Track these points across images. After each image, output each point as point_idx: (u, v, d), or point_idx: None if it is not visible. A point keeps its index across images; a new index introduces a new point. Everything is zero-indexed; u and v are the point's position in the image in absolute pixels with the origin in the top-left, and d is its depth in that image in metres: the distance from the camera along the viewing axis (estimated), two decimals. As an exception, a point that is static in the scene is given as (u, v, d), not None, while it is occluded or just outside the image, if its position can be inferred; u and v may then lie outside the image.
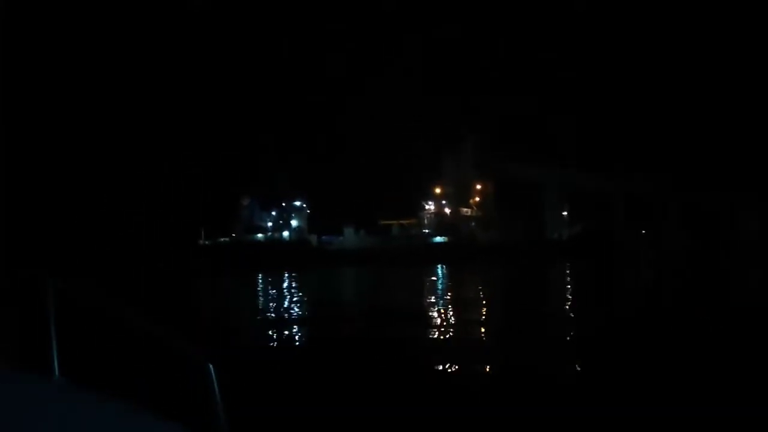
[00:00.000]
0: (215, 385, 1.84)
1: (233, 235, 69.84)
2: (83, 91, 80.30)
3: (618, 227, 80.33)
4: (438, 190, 79.94)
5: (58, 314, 1.63)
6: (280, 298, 32.80)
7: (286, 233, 69.73)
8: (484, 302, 26.37)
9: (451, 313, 22.46)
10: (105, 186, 70.89)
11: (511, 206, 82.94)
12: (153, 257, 57.84)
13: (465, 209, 79.75)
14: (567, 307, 23.84)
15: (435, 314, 22.12)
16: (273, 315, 24.64)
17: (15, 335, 1.83)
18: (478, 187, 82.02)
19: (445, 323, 19.47)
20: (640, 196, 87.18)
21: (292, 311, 25.64)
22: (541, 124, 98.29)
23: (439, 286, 35.99)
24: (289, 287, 40.92)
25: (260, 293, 37.92)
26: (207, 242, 68.27)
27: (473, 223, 77.97)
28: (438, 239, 72.63)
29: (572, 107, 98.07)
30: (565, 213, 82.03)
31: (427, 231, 74.65)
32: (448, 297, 29.46)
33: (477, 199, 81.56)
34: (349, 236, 71.59)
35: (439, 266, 56.27)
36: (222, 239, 69.04)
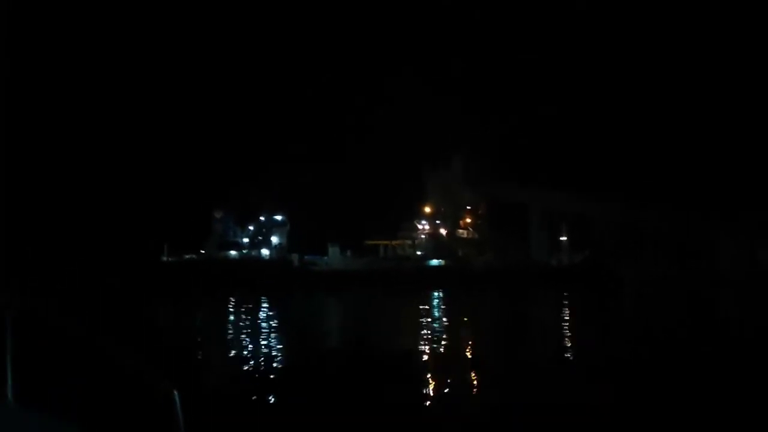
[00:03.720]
0: (179, 411, 1.82)
1: (202, 251, 61.09)
2: (39, 97, 71.45)
3: (617, 257, 76.70)
4: (428, 210, 73.64)
5: (18, 337, 1.62)
6: (244, 327, 25.61)
7: (265, 251, 61.35)
8: (494, 351, 18.80)
9: (460, 366, 16.25)
10: (52, 195, 61.43)
11: (507, 229, 79.28)
12: (104, 273, 49.15)
13: (461, 231, 73.30)
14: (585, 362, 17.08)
15: (441, 371, 15.54)
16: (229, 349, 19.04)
17: None
18: (468, 207, 76.31)
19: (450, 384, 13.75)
20: (635, 225, 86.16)
21: (260, 347, 19.70)
22: (535, 147, 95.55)
23: (442, 323, 27.54)
24: (261, 315, 33.00)
25: (215, 320, 30.43)
26: (170, 259, 59.37)
27: (469, 247, 71.61)
28: (434, 262, 65.52)
29: (566, 133, 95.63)
30: (564, 238, 76.93)
31: (421, 253, 67.48)
32: (454, 340, 21.26)
33: (468, 220, 75.77)
34: (335, 256, 63.83)
35: (437, 294, 48.72)
36: (189, 256, 60.23)
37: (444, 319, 26.56)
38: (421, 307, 33.12)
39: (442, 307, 34.79)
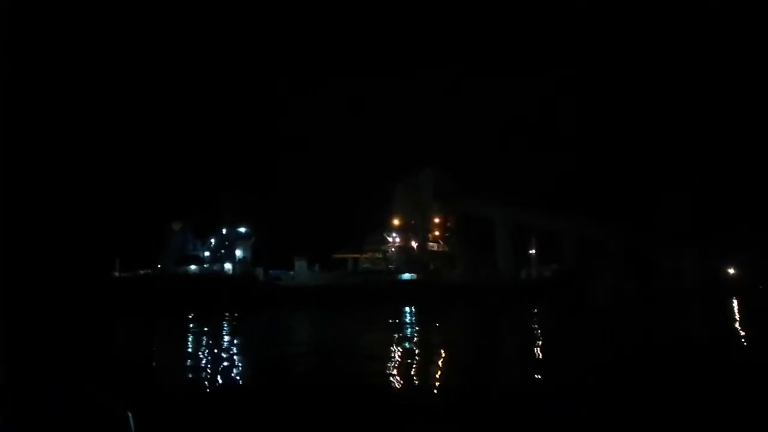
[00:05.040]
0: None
1: (159, 266, 56.55)
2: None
3: (584, 271, 77.60)
4: (397, 222, 71.72)
5: None
6: (202, 348, 22.78)
7: (228, 265, 57.34)
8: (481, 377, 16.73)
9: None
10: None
11: (476, 243, 78.82)
12: (49, 290, 44.60)
13: (431, 244, 71.61)
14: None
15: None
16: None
17: None
18: (437, 221, 75.10)
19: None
20: (601, 241, 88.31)
21: (219, 369, 17.39)
22: (503, 162, 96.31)
23: (419, 347, 24.38)
24: (222, 335, 29.82)
25: (170, 340, 28.02)
26: (122, 275, 54.64)
27: (439, 260, 70.01)
28: (406, 276, 63.30)
29: (532, 150, 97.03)
30: (533, 251, 76.94)
31: (392, 266, 65.17)
32: (430, 368, 18.39)
33: (437, 233, 74.48)
34: (302, 270, 60.59)
35: (411, 311, 46.27)
36: (143, 271, 55.60)
37: (421, 343, 23.96)
38: (396, 329, 30.61)
39: (419, 327, 32.23)
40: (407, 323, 35.51)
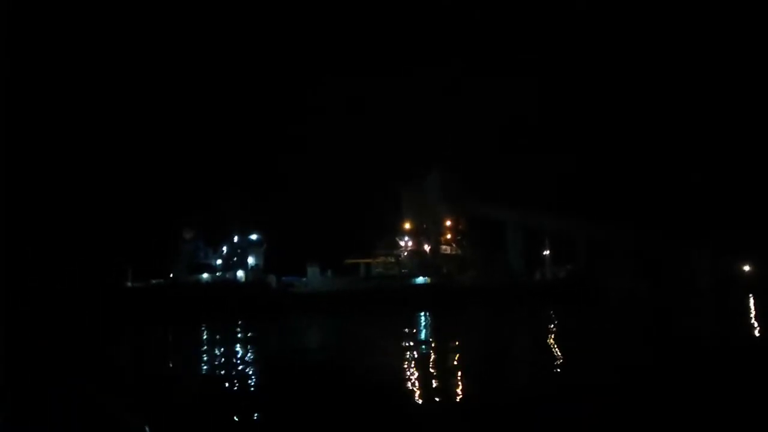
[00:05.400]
0: None
1: (171, 275, 56.24)
2: None
3: (598, 272, 76.58)
4: (408, 226, 71.07)
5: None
6: (217, 357, 22.16)
7: (240, 273, 56.90)
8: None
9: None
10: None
11: (488, 245, 78.09)
12: (63, 300, 44.43)
13: (444, 247, 70.84)
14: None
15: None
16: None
17: None
18: (448, 223, 74.33)
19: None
20: (614, 242, 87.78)
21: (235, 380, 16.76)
22: (510, 163, 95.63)
23: (439, 355, 23.41)
24: (239, 343, 29.25)
25: (184, 351, 27.19)
26: (136, 284, 54.38)
27: (452, 263, 69.21)
28: (419, 280, 62.55)
29: (542, 151, 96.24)
30: (546, 252, 75.86)
31: (405, 271, 64.47)
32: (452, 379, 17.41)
33: (449, 236, 73.69)
34: (314, 277, 60.03)
35: (427, 316, 45.33)
36: (156, 281, 55.33)
37: (441, 351, 23.03)
38: (414, 335, 29.85)
39: (436, 333, 31.38)
40: (429, 330, 34.76)
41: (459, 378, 15.97)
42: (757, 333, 26.58)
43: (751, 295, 60.95)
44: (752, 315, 36.29)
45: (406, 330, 32.02)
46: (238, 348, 27.03)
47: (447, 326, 35.42)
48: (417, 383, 15.15)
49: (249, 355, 24.17)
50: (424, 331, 31.64)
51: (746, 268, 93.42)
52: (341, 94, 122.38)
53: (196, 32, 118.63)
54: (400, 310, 46.86)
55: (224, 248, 58.07)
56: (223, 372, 19.00)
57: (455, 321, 39.61)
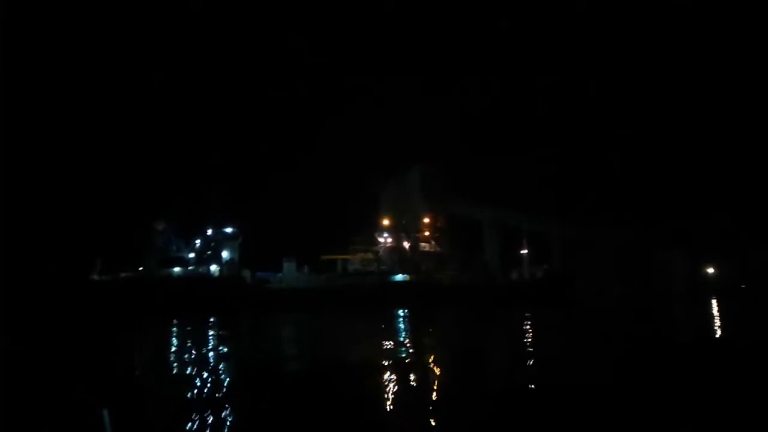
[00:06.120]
0: (109, 430, 1.95)
1: (141, 269, 54.06)
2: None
3: (574, 272, 77.29)
4: (387, 222, 70.19)
5: None
6: (184, 356, 21.09)
7: (214, 267, 55.03)
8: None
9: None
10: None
11: (467, 243, 78.00)
12: (24, 293, 42.21)
13: (423, 244, 70.13)
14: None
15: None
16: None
17: None
18: (427, 220, 73.74)
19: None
20: (589, 243, 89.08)
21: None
22: (489, 163, 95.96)
23: (421, 359, 22.55)
24: (209, 342, 27.86)
25: (150, 347, 25.79)
26: (103, 278, 52.10)
27: (432, 261, 68.55)
28: (398, 277, 61.68)
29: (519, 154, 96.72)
30: (524, 252, 75.87)
31: (384, 267, 63.54)
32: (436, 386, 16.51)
33: (427, 233, 73.09)
34: (290, 272, 58.57)
35: (407, 314, 44.23)
36: (125, 274, 53.11)
37: (419, 358, 21.89)
38: (392, 337, 28.78)
39: (416, 336, 30.17)
40: (408, 333, 33.80)
41: (435, 392, 14.91)
42: (720, 334, 26.68)
43: (717, 297, 62.64)
44: (718, 317, 36.71)
45: (385, 335, 30.59)
46: (209, 348, 25.59)
47: (428, 329, 34.45)
48: (392, 393, 14.13)
49: (218, 356, 22.72)
50: (402, 334, 30.55)
51: (713, 270, 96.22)
52: (321, 91, 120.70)
53: (173, 27, 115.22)
54: (379, 309, 45.77)
55: (197, 241, 56.10)
56: (188, 374, 17.64)
57: (437, 322, 38.74)
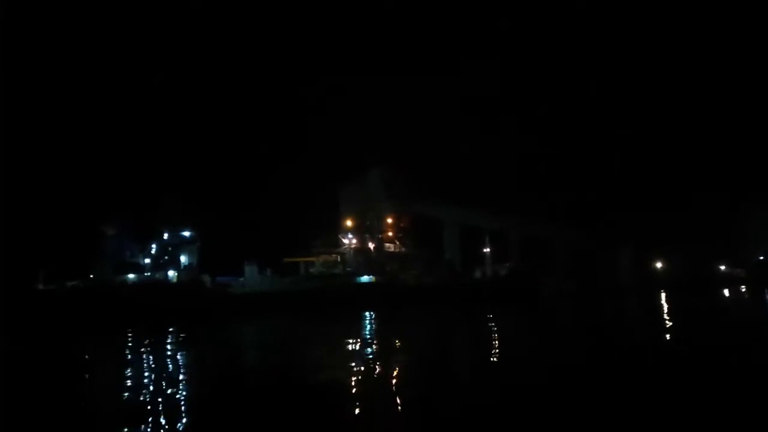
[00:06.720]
0: None
1: (91, 276, 50.69)
2: None
3: (535, 270, 78.53)
4: (350, 224, 69.03)
5: None
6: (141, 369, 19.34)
7: (171, 272, 52.25)
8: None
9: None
10: None
11: (430, 243, 78.00)
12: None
13: (388, 245, 69.33)
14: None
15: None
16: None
17: None
18: (390, 221, 73.08)
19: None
20: (541, 240, 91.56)
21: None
22: (451, 163, 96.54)
23: (396, 366, 21.47)
24: (167, 355, 25.84)
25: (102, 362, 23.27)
26: (48, 287, 48.51)
27: (396, 261, 67.88)
28: (364, 279, 60.58)
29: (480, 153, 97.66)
30: (487, 250, 76.26)
31: (349, 269, 62.31)
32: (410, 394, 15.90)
33: (391, 234, 72.42)
34: (252, 276, 56.54)
35: (375, 317, 43.08)
36: (72, 283, 49.62)
37: (387, 362, 20.92)
38: (361, 341, 27.70)
39: (384, 340, 29.10)
40: (376, 336, 32.71)
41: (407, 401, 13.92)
42: (666, 331, 26.99)
43: (664, 291, 65.89)
44: (664, 312, 37.88)
45: (352, 339, 29.23)
46: (166, 360, 23.60)
47: (396, 331, 33.48)
48: (361, 405, 13.06)
49: (177, 372, 20.81)
50: (370, 338, 29.41)
51: (661, 264, 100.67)
52: (282, 92, 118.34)
53: (135, 28, 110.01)
54: (346, 312, 44.47)
55: (153, 246, 53.17)
56: (143, 393, 15.85)
57: (404, 324, 37.84)
